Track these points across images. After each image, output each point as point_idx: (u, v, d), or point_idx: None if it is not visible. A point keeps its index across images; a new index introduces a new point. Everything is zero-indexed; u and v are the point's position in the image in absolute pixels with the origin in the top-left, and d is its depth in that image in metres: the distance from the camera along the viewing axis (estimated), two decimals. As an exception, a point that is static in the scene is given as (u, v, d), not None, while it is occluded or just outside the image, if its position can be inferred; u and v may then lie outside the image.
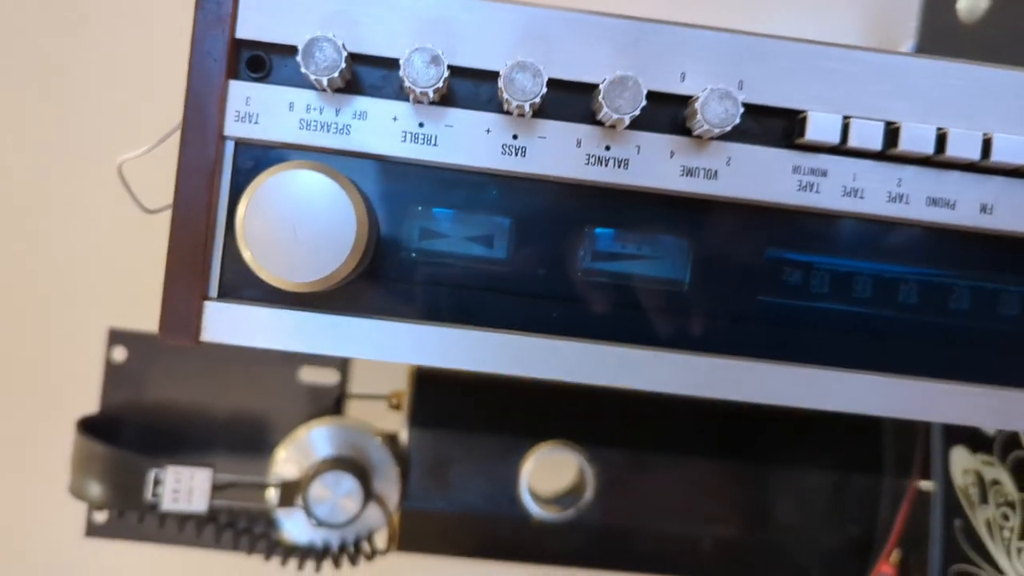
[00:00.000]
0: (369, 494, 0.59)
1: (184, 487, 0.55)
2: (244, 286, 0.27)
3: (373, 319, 0.28)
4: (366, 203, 0.27)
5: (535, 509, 0.63)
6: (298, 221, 0.25)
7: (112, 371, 0.63)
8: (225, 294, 0.27)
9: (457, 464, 0.63)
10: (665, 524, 0.66)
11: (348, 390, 0.65)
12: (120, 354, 0.63)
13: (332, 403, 0.63)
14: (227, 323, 0.27)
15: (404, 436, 0.62)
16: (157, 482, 0.55)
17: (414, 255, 0.28)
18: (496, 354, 0.28)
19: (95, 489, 0.56)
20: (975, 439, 0.55)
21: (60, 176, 0.69)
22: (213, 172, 0.27)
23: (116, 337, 0.63)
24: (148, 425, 0.62)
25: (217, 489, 0.56)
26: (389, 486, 0.61)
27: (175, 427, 0.63)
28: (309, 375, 0.64)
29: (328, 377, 0.64)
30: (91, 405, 0.62)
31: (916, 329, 0.29)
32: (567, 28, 0.27)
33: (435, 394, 0.63)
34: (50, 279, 0.69)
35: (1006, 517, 0.52)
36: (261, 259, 0.25)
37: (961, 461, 0.57)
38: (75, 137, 0.68)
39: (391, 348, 0.28)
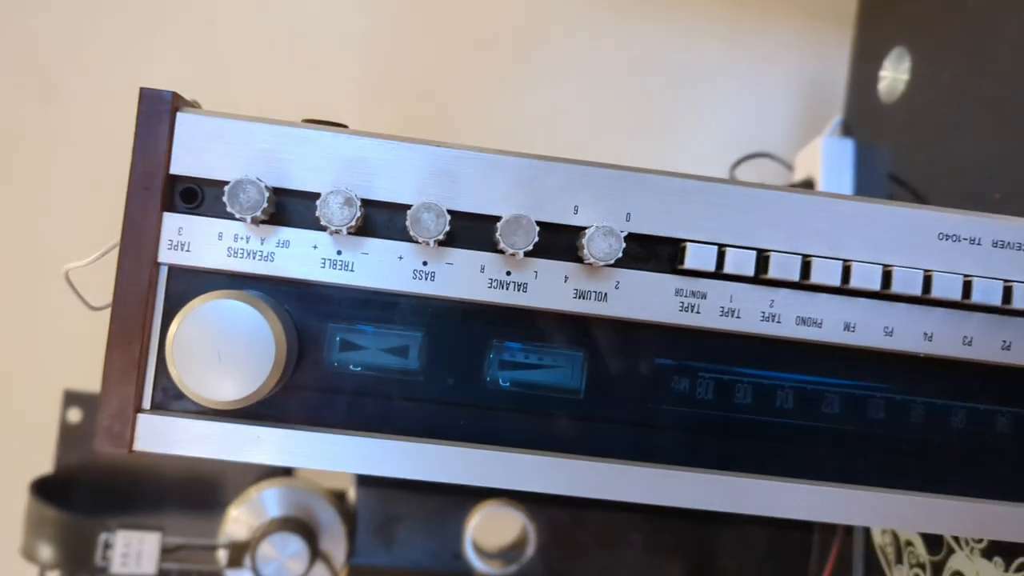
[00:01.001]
0: (316, 553, 0.61)
1: (133, 551, 0.56)
2: (175, 399, 0.30)
3: (295, 429, 0.30)
4: (287, 323, 0.29)
5: (479, 565, 0.65)
6: (222, 346, 0.27)
7: (67, 432, 0.65)
8: (158, 406, 0.30)
9: (403, 521, 0.66)
10: (605, 578, 0.68)
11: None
12: (75, 415, 0.65)
13: (283, 463, 0.65)
14: (159, 434, 0.30)
15: (352, 494, 0.65)
16: (107, 546, 0.57)
17: (335, 366, 0.31)
18: (410, 461, 0.30)
19: (46, 552, 0.58)
20: (892, 500, 0.58)
21: (18, 248, 0.71)
22: (147, 295, 0.29)
23: (72, 398, 0.65)
24: (102, 485, 0.64)
25: (167, 551, 0.58)
26: (336, 544, 0.63)
27: (128, 487, 0.64)
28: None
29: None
30: (47, 465, 0.63)
31: (794, 433, 0.32)
32: (472, 166, 0.30)
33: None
34: (9, 343, 0.71)
35: (917, 577, 0.55)
36: (188, 379, 0.28)
37: (879, 521, 0.60)
38: (32, 221, 0.71)
39: (312, 457, 0.30)
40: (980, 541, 0.50)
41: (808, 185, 0.70)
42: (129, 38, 0.77)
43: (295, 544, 0.59)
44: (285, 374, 0.29)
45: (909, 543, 0.56)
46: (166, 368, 0.29)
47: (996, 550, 0.48)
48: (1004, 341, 0.32)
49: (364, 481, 0.65)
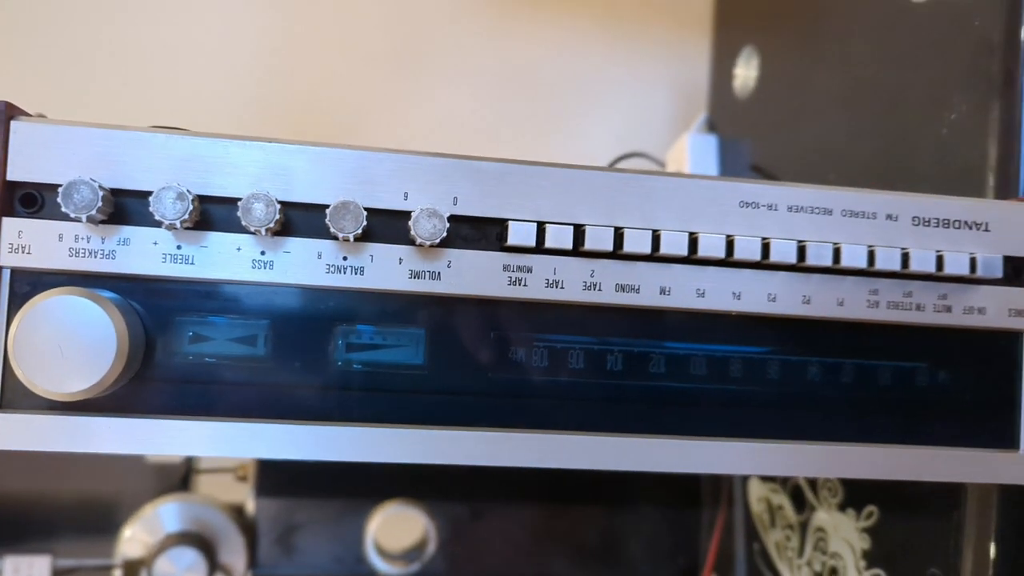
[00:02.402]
0: (215, 566, 0.61)
1: (23, 575, 0.56)
2: (25, 397, 0.31)
3: (147, 419, 0.31)
4: (132, 318, 0.31)
5: (381, 566, 0.66)
6: (62, 340, 0.29)
7: (-48, 465, 0.64)
8: (8, 405, 0.31)
9: (304, 529, 0.66)
10: (507, 568, 0.70)
11: (195, 466, 0.67)
12: (-40, 448, 0.64)
13: (179, 480, 0.66)
14: (10, 431, 0.30)
15: (251, 506, 0.65)
16: (-5, 573, 0.56)
17: (187, 358, 0.32)
18: (257, 442, 0.32)
19: (-69, 585, 0.57)
20: (766, 469, 0.62)
21: None
22: (-10, 298, 0.30)
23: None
24: (-10, 517, 0.63)
25: (58, 574, 0.57)
26: (235, 556, 0.63)
27: (19, 515, 0.64)
28: (154, 456, 0.66)
29: (173, 456, 0.66)
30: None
31: (621, 392, 0.35)
32: (303, 158, 0.32)
33: (279, 463, 0.66)
34: None
35: (788, 538, 0.59)
36: (31, 375, 0.29)
37: (756, 490, 0.64)
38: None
39: (166, 443, 0.32)
40: (835, 496, 0.53)
41: (679, 180, 0.73)
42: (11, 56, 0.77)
43: (191, 556, 0.59)
44: (131, 365, 0.30)
45: (780, 507, 0.60)
46: (12, 369, 0.30)
47: (848, 503, 0.52)
48: (804, 296, 0.35)
49: (262, 492, 0.66)
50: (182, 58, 0.81)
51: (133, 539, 0.61)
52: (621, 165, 0.78)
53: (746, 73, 0.70)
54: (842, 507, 0.53)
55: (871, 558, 0.50)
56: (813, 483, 0.56)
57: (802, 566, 0.57)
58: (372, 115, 0.86)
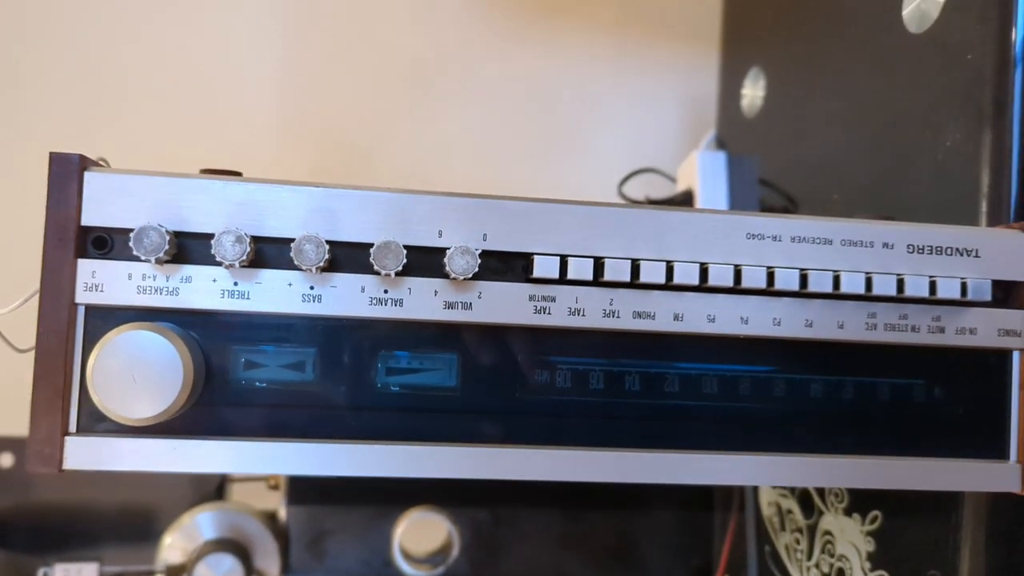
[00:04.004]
0: (251, 571, 0.64)
1: (73, 582, 0.59)
2: (99, 421, 0.34)
3: (207, 440, 0.35)
4: (194, 348, 0.34)
5: (408, 570, 0.70)
6: (135, 370, 0.32)
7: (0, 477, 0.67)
8: (83, 429, 0.34)
9: (334, 535, 0.70)
10: (527, 570, 0.73)
11: (229, 476, 0.70)
12: (7, 460, 0.67)
13: (214, 489, 0.69)
14: (86, 453, 0.34)
15: (283, 513, 0.68)
16: (47, 579, 0.59)
17: (240, 383, 0.36)
18: (308, 460, 0.35)
19: (-14, 591, 0.60)
20: (775, 474, 0.64)
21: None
22: (67, 332, 0.33)
23: (3, 444, 0.67)
24: (38, 526, 0.67)
25: (105, 580, 0.61)
26: (269, 561, 0.66)
27: (64, 525, 0.67)
28: (192, 465, 0.69)
29: (209, 466, 0.69)
30: (-18, 511, 0.66)
31: (639, 410, 0.38)
32: (347, 201, 0.35)
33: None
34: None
35: (798, 541, 0.61)
36: (107, 402, 0.32)
37: (766, 495, 0.67)
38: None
39: (224, 462, 0.35)
40: (842, 501, 0.56)
41: (689, 195, 0.76)
42: (44, 95, 0.81)
43: (228, 562, 0.62)
44: (195, 392, 0.34)
45: (789, 511, 0.63)
46: (88, 394, 0.33)
47: (854, 508, 0.55)
48: (807, 320, 0.38)
49: (293, 500, 0.69)
50: (207, 91, 0.84)
51: (173, 546, 0.65)
52: (633, 181, 0.81)
53: (753, 93, 0.73)
54: (848, 512, 0.55)
55: (876, 560, 0.53)
56: (820, 489, 0.59)
57: (811, 568, 0.60)
58: (390, 136, 0.89)
